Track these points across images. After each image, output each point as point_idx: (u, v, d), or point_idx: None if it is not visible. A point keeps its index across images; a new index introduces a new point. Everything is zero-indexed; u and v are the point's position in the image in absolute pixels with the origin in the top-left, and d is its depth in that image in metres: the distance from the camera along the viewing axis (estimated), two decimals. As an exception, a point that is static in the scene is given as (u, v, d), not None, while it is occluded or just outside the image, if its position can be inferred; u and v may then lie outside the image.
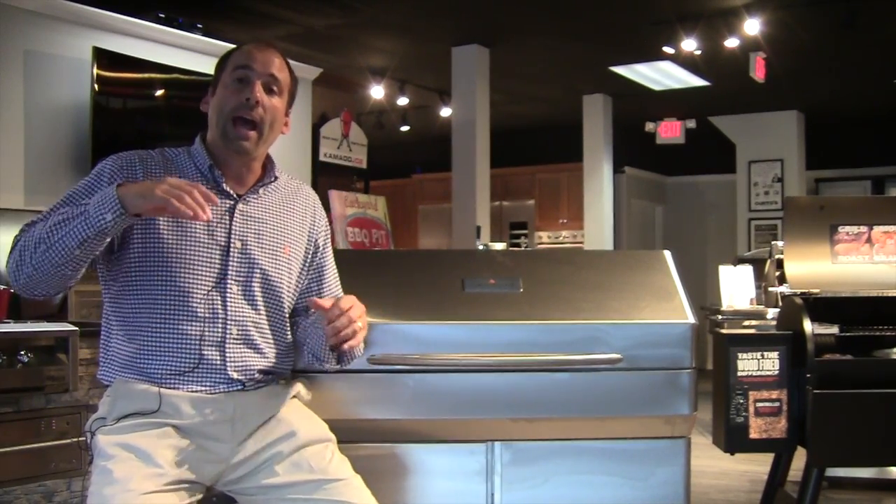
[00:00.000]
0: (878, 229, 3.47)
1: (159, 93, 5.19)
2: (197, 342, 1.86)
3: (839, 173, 10.58)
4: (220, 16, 6.42)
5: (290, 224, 2.03)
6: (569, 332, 2.21)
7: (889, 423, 3.09)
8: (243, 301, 1.92)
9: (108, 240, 1.77)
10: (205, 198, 1.69)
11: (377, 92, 8.39)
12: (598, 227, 9.69)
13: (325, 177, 7.27)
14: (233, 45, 2.09)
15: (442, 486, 2.21)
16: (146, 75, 5.14)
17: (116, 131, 4.92)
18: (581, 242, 10.01)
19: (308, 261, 2.06)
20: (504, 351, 2.18)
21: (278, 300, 1.98)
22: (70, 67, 4.88)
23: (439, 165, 9.29)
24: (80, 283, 1.88)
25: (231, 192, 1.96)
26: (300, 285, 2.05)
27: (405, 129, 9.60)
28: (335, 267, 2.14)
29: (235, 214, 1.94)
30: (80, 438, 3.17)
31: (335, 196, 5.02)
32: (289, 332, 2.03)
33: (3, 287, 3.40)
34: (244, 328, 1.91)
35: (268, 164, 2.03)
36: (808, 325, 3.09)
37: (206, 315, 1.87)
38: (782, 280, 3.72)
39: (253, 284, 1.93)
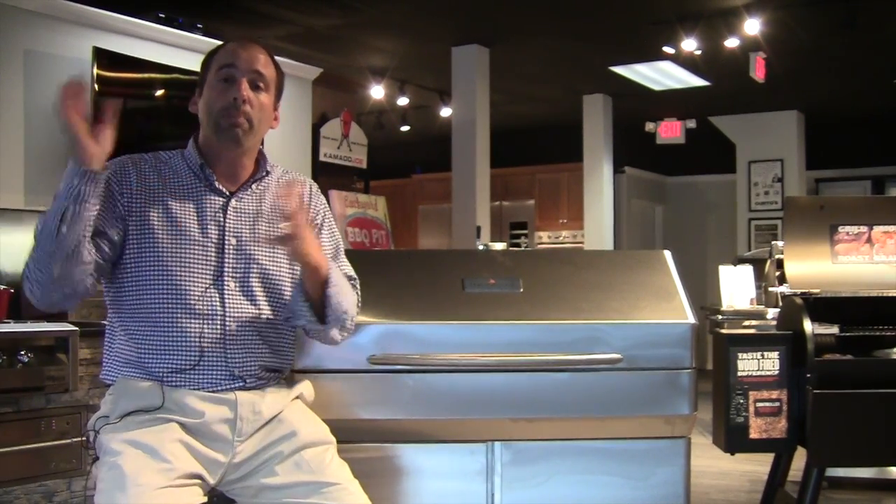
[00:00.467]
0: (878, 229, 3.47)
1: (159, 93, 5.19)
2: (197, 339, 1.87)
3: (839, 173, 10.58)
4: (220, 16, 6.42)
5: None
6: (569, 332, 2.21)
7: (889, 423, 3.09)
8: (242, 297, 1.92)
9: (92, 208, 1.77)
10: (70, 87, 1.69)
11: (377, 92, 8.39)
12: (598, 227, 9.69)
13: (325, 177, 7.27)
14: (219, 41, 2.09)
15: (442, 486, 2.21)
16: (146, 75, 5.14)
17: (116, 131, 4.92)
18: (581, 242, 10.01)
19: None
20: (504, 351, 2.18)
21: (279, 295, 1.98)
22: (70, 67, 4.87)
23: (439, 165, 9.29)
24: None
25: (223, 189, 1.97)
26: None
27: (405, 129, 9.60)
28: (342, 244, 2.13)
29: (228, 211, 1.95)
30: (81, 438, 3.17)
31: (335, 196, 5.02)
32: (291, 329, 2.03)
33: (2, 287, 3.40)
34: (244, 325, 1.92)
35: (260, 159, 2.04)
36: (808, 325, 3.09)
37: (205, 312, 1.88)
38: (782, 280, 3.72)
39: (251, 280, 1.94)
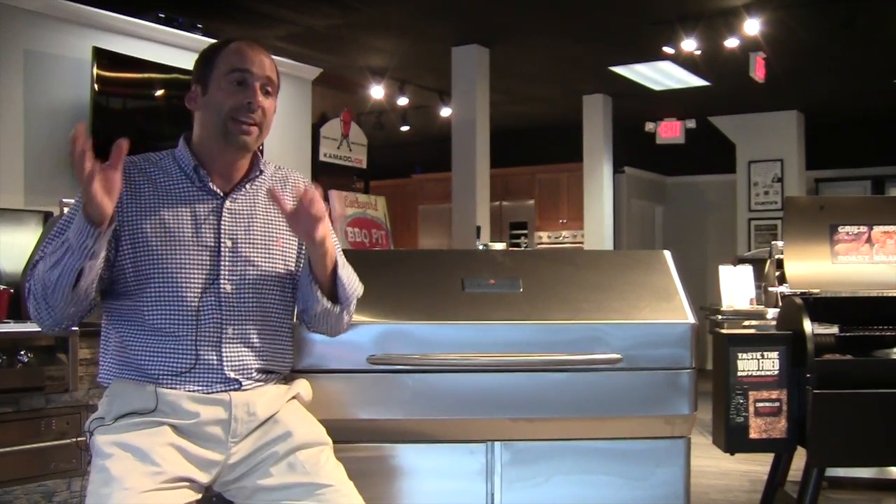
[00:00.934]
0: (878, 229, 3.47)
1: (159, 93, 5.19)
2: (193, 343, 1.87)
3: (839, 173, 10.58)
4: (220, 16, 6.42)
5: (280, 216, 2.01)
6: (569, 332, 2.21)
7: (889, 423, 3.09)
8: (238, 300, 1.92)
9: (104, 254, 1.78)
10: (76, 141, 1.67)
11: (377, 92, 8.39)
12: (598, 227, 9.69)
13: (325, 177, 7.27)
14: (214, 40, 2.08)
15: (442, 486, 2.21)
16: (146, 75, 5.15)
17: (116, 131, 4.89)
18: (581, 242, 10.01)
19: (304, 246, 2.06)
20: (504, 351, 2.18)
21: (276, 296, 1.98)
22: (70, 67, 4.88)
23: (439, 165, 9.29)
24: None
25: (217, 190, 1.96)
26: (299, 271, 2.04)
27: (405, 129, 9.60)
28: (338, 242, 2.12)
29: (223, 213, 1.94)
30: (80, 438, 3.17)
31: (335, 196, 5.02)
32: (289, 330, 2.03)
33: (2, 287, 3.40)
34: (240, 327, 1.91)
35: (254, 159, 2.03)
36: (808, 325, 3.09)
37: (201, 316, 1.88)
38: (782, 280, 3.72)
39: (247, 283, 1.93)
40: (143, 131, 5.12)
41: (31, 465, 3.12)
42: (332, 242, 1.97)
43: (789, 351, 3.09)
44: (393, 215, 8.29)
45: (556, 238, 10.55)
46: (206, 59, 1.98)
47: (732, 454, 3.22)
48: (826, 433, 3.05)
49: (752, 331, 4.38)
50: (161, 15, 5.43)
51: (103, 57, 4.88)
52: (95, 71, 4.81)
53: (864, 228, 3.47)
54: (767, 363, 3.09)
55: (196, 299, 1.88)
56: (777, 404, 3.08)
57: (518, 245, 10.46)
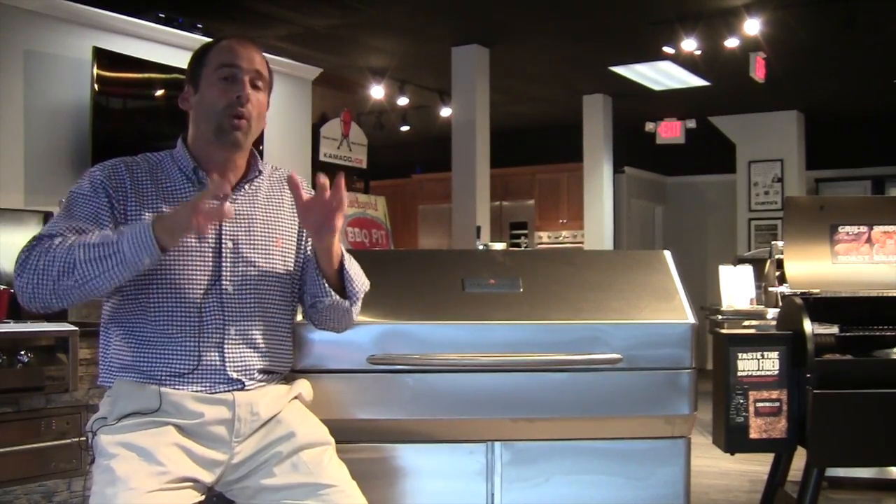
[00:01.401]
0: (878, 229, 3.47)
1: (159, 93, 5.19)
2: (195, 345, 1.87)
3: (839, 173, 10.58)
4: (220, 16, 6.42)
5: (279, 215, 2.03)
6: (569, 332, 2.21)
7: (889, 423, 3.09)
8: (240, 301, 1.92)
9: None
10: (216, 193, 1.69)
11: (377, 92, 8.39)
12: (598, 227, 9.69)
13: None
14: (208, 39, 2.08)
15: (442, 486, 2.21)
16: (146, 75, 5.14)
17: (116, 131, 4.92)
18: (581, 242, 10.01)
19: (304, 245, 2.06)
20: (504, 351, 2.18)
21: (276, 296, 1.98)
22: (70, 67, 4.88)
23: (439, 165, 9.29)
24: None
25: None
26: (298, 270, 2.04)
27: (405, 129, 9.60)
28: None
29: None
30: (81, 438, 3.17)
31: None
32: (289, 330, 2.03)
33: (2, 287, 3.40)
34: (242, 328, 1.91)
35: (252, 159, 2.03)
36: (808, 325, 3.09)
37: (204, 317, 1.88)
38: (782, 280, 3.72)
39: (249, 283, 1.93)
40: (143, 131, 5.11)
41: (31, 465, 3.12)
42: (339, 238, 1.97)
43: (789, 351, 3.09)
44: (393, 215, 8.29)
45: (556, 238, 10.56)
46: (197, 58, 1.99)
47: (732, 454, 3.22)
48: (826, 433, 3.05)
49: (752, 331, 4.37)
50: (161, 15, 5.43)
51: (103, 57, 4.88)
52: (95, 71, 4.81)
53: (864, 228, 3.47)
54: (767, 363, 3.09)
55: (198, 300, 1.88)
56: (777, 404, 3.08)
57: (518, 245, 10.46)
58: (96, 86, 4.81)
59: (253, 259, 1.95)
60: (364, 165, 7.75)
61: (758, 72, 7.11)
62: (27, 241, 1.81)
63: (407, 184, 11.54)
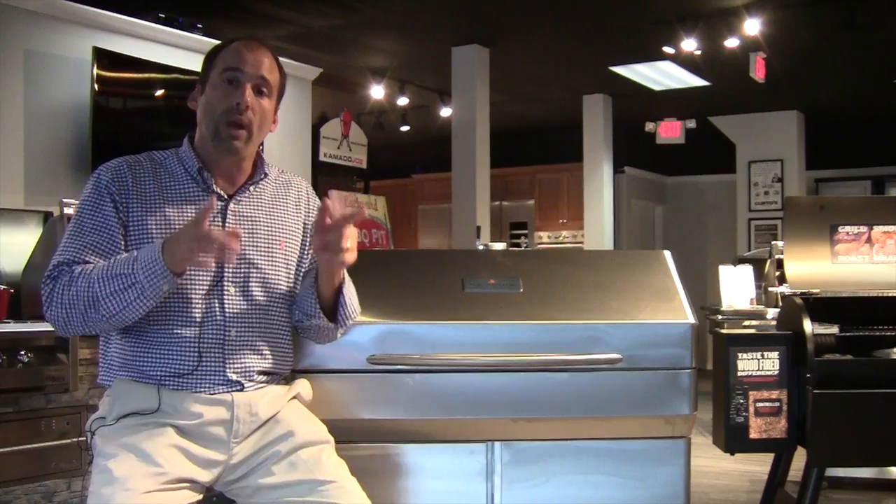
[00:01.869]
0: (878, 229, 3.47)
1: (159, 93, 5.20)
2: (195, 346, 1.87)
3: (839, 173, 10.58)
4: (220, 16, 6.42)
5: (283, 219, 2.03)
6: (569, 332, 2.21)
7: (889, 423, 3.09)
8: (241, 303, 1.92)
9: None
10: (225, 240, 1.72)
11: (377, 92, 8.39)
12: (598, 227, 9.69)
13: (325, 177, 7.28)
14: (219, 41, 2.07)
15: (442, 486, 2.21)
16: (146, 75, 5.15)
17: (116, 131, 4.93)
18: (581, 242, 10.01)
19: (306, 250, 2.06)
20: (504, 351, 2.18)
21: (277, 299, 1.98)
22: (70, 67, 4.88)
23: (439, 165, 9.29)
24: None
25: (222, 193, 1.95)
26: (300, 275, 2.04)
27: (405, 129, 9.60)
28: None
29: (228, 215, 1.94)
30: (80, 438, 3.17)
31: (335, 196, 5.02)
32: (289, 332, 2.03)
33: (2, 287, 3.40)
34: (243, 330, 1.91)
35: (258, 161, 2.02)
36: (808, 325, 3.09)
37: (205, 319, 1.88)
38: (782, 280, 3.72)
39: (250, 285, 1.93)
40: (143, 131, 5.12)
41: (31, 465, 3.12)
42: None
43: (789, 351, 3.09)
44: (393, 215, 8.29)
45: (556, 238, 10.56)
46: (208, 58, 1.99)
47: (732, 454, 3.22)
48: (826, 433, 3.05)
49: (752, 331, 4.38)
50: (161, 15, 5.43)
51: (103, 57, 4.88)
52: (95, 71, 4.81)
53: (864, 228, 3.47)
54: (767, 363, 3.09)
55: (200, 302, 1.87)
56: (777, 404, 3.08)
57: (518, 245, 10.46)
58: (96, 86, 4.82)
59: (256, 261, 1.95)
60: (364, 165, 7.76)
61: (758, 72, 7.11)
62: (49, 269, 1.84)
63: (407, 184, 11.54)
